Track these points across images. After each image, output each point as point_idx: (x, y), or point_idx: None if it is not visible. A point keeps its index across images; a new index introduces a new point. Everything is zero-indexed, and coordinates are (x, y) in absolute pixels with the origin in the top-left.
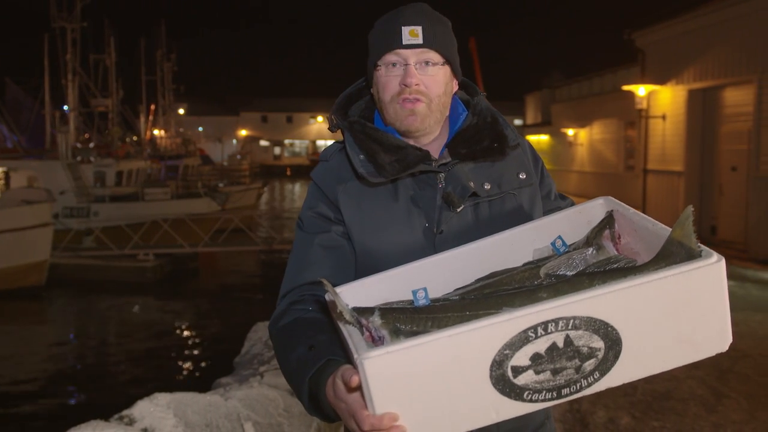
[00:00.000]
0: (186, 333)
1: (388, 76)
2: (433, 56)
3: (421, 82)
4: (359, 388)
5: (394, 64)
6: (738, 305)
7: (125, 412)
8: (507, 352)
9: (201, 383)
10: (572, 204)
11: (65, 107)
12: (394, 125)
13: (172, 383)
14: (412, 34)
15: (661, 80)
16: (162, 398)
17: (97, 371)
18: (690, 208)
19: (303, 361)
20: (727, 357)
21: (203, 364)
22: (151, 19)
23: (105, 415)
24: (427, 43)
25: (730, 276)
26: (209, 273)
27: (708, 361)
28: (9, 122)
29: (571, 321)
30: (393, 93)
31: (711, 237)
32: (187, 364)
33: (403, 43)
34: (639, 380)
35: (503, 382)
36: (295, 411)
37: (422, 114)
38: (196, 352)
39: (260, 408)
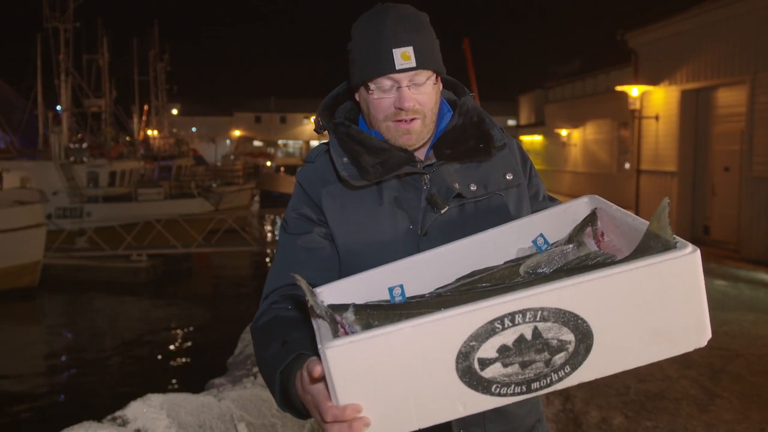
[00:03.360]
0: (179, 333)
1: (380, 99)
2: (426, 73)
3: (415, 101)
4: (323, 378)
5: (386, 86)
6: (730, 305)
7: (118, 413)
8: (473, 343)
9: (194, 384)
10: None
11: (58, 107)
12: (388, 142)
13: (165, 384)
14: (404, 57)
15: (654, 81)
16: (155, 399)
17: (90, 372)
18: (666, 200)
19: (275, 356)
20: (719, 357)
21: (196, 365)
22: (145, 19)
23: (98, 416)
24: (421, 65)
25: (723, 276)
26: (202, 273)
27: (701, 361)
28: (1, 122)
29: (539, 312)
30: (387, 113)
31: (704, 237)
32: (181, 365)
33: (397, 68)
34: (630, 379)
35: (470, 374)
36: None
37: (417, 131)
38: (189, 352)
39: (253, 408)
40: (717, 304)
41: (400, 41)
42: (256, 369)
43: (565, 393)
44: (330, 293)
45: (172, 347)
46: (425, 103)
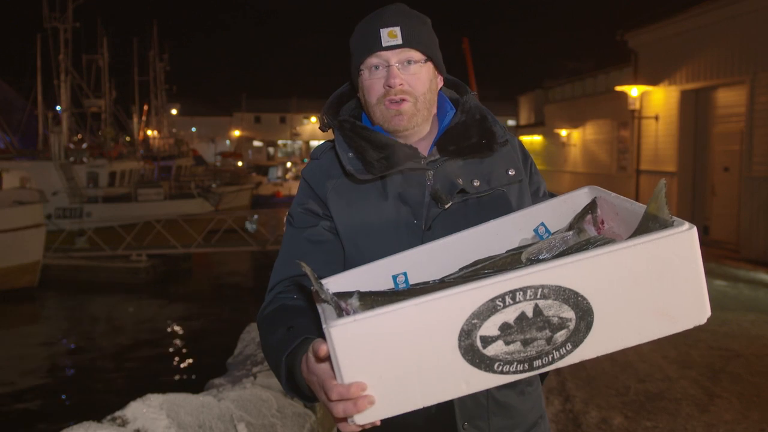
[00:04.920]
0: (179, 334)
1: (371, 79)
2: (414, 55)
3: (404, 82)
4: (328, 358)
5: (376, 67)
6: (730, 305)
7: (118, 413)
8: (475, 321)
9: (194, 384)
10: None
11: (58, 108)
12: (382, 126)
13: (164, 384)
14: (390, 35)
15: (653, 81)
16: (155, 399)
17: (90, 372)
18: (663, 181)
19: (281, 341)
20: (719, 357)
21: (196, 365)
22: (144, 19)
23: (97, 416)
24: (407, 43)
25: (723, 276)
26: (202, 274)
27: (701, 361)
28: (1, 122)
29: (540, 290)
30: (378, 95)
31: (703, 237)
32: (180, 365)
33: (383, 45)
34: (630, 379)
35: (473, 352)
36: (288, 412)
37: (409, 113)
38: (188, 352)
39: (253, 409)
40: (717, 304)
41: (388, 22)
42: (255, 369)
43: (565, 393)
44: (335, 284)
45: (172, 347)
46: (415, 86)
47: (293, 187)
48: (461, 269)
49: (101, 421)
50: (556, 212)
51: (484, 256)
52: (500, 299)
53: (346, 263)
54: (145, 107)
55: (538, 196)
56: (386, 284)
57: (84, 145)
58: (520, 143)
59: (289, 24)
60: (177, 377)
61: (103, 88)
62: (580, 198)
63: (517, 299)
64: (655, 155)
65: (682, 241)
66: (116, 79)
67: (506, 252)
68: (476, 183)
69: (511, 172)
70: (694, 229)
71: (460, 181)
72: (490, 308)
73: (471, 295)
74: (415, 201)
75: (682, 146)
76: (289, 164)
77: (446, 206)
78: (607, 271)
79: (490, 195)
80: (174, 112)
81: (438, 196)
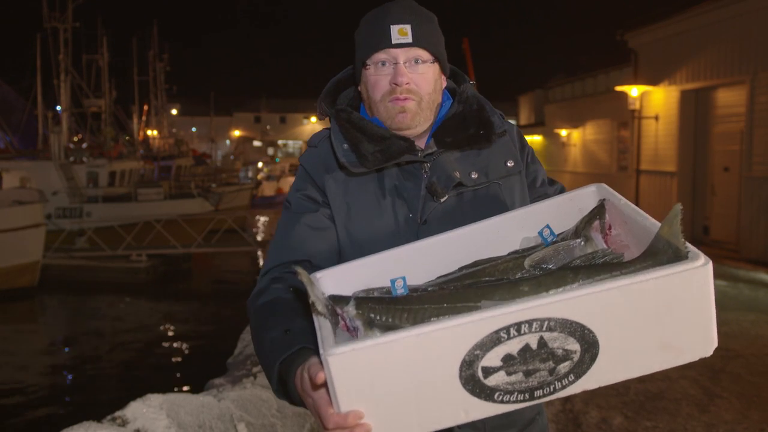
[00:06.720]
0: (179, 334)
1: (377, 75)
2: (423, 54)
3: (411, 81)
4: (325, 385)
5: (383, 63)
6: (730, 305)
7: (118, 413)
8: (477, 352)
9: (194, 384)
10: (563, 189)
11: (58, 108)
12: (384, 123)
13: (164, 384)
14: (401, 32)
15: (653, 81)
16: (155, 399)
17: (90, 372)
18: (678, 206)
19: (277, 343)
20: (719, 357)
21: (196, 365)
22: (144, 19)
23: (98, 416)
24: (417, 42)
25: (723, 276)
26: (202, 274)
27: (700, 361)
28: (1, 122)
29: (546, 323)
30: (383, 92)
31: (703, 237)
32: (180, 365)
33: (393, 42)
34: (631, 379)
35: (473, 382)
36: (288, 412)
37: (412, 111)
38: (188, 352)
39: (253, 409)
40: (717, 304)
41: (399, 19)
42: (255, 369)
43: None
44: (331, 278)
45: (172, 347)
46: (421, 85)
47: (267, 189)
48: (461, 269)
49: (101, 421)
50: (561, 211)
51: (486, 255)
52: (504, 331)
53: (341, 254)
54: (145, 107)
55: (535, 185)
56: (383, 281)
57: (84, 145)
58: (519, 131)
59: (288, 24)
60: (177, 377)
61: (103, 88)
62: (587, 197)
63: (522, 331)
64: (655, 155)
65: (697, 278)
66: (116, 79)
67: (508, 254)
68: (474, 175)
69: (510, 164)
70: (710, 264)
71: (457, 174)
72: (493, 340)
73: (475, 327)
74: (410, 194)
75: (682, 146)
76: (260, 164)
77: (442, 200)
78: (616, 305)
79: (486, 188)
80: (174, 112)
81: (434, 190)
